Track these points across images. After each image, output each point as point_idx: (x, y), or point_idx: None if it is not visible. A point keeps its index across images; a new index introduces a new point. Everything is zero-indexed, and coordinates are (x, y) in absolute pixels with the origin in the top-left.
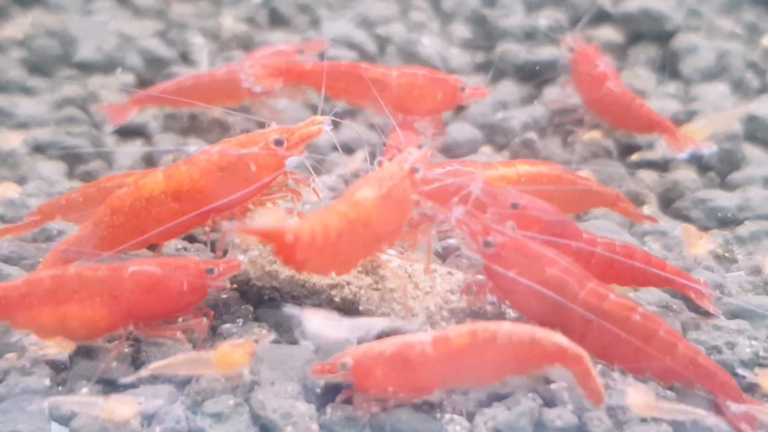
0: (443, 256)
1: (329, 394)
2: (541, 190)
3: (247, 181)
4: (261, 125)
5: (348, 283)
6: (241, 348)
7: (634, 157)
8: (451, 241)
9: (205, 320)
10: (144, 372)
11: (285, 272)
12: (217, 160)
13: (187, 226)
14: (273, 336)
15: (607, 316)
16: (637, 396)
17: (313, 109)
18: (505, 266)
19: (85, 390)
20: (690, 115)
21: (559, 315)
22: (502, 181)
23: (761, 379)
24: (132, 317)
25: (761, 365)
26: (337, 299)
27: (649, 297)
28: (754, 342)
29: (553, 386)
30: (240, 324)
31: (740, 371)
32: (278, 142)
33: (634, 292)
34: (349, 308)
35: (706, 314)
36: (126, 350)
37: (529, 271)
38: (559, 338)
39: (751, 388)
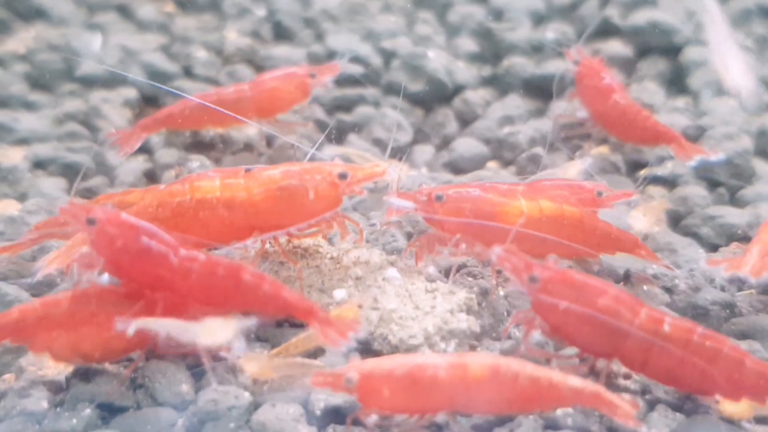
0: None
1: (330, 416)
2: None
3: (303, 206)
4: (268, 143)
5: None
6: (347, 317)
7: (643, 172)
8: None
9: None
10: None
11: None
12: (279, 178)
13: (227, 237)
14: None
15: (667, 340)
16: (250, 365)
17: (320, 125)
18: (554, 301)
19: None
20: (699, 130)
21: (616, 345)
22: (523, 218)
23: (725, 406)
24: (149, 339)
25: None
26: None
27: None
28: None
29: (558, 411)
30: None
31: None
32: (342, 176)
33: None
34: None
35: None
36: (126, 372)
37: (579, 303)
38: (574, 381)
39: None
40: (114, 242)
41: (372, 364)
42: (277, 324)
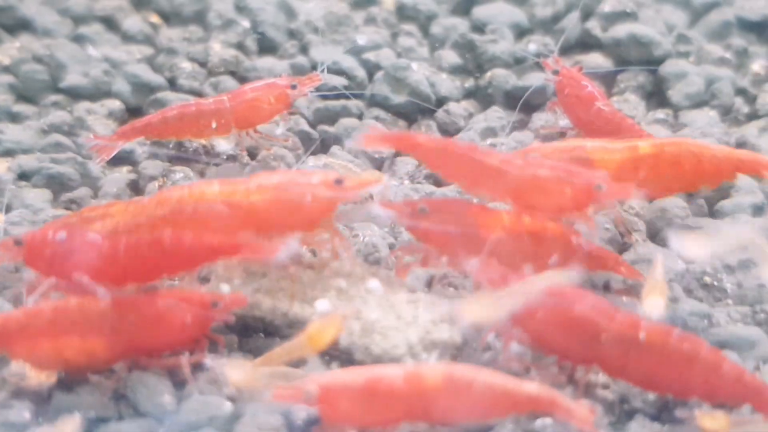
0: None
1: (312, 426)
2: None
3: (300, 210)
4: (251, 154)
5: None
6: (330, 327)
7: None
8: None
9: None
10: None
11: (267, 302)
12: (276, 181)
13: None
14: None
15: (644, 344)
16: (234, 374)
17: (302, 136)
18: (530, 310)
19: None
20: None
21: (594, 351)
22: (500, 231)
23: (703, 421)
24: (133, 350)
25: None
26: None
27: None
28: None
29: (537, 423)
30: (225, 355)
31: (677, 413)
32: (338, 182)
33: None
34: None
35: None
36: (108, 383)
37: (555, 310)
38: (530, 386)
39: None
40: (43, 253)
41: (330, 376)
42: (265, 335)
